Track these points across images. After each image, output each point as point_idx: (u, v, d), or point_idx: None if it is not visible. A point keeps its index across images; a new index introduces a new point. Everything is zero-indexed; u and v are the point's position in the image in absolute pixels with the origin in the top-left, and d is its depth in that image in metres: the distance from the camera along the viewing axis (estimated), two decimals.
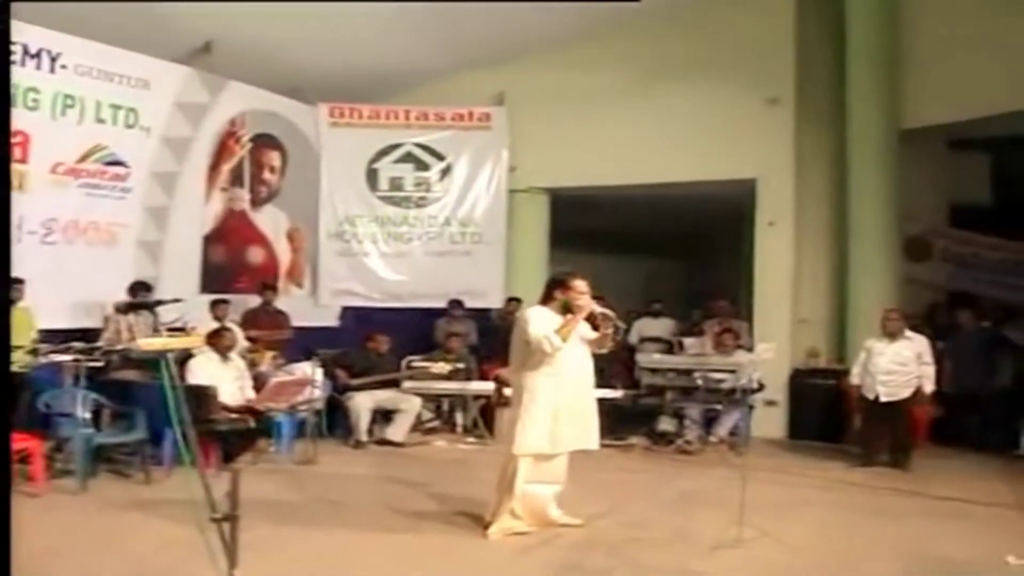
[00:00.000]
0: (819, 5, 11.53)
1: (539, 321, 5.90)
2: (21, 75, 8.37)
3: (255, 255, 11.42)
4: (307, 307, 11.85)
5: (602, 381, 9.19)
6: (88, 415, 7.21)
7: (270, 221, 11.58)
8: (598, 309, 5.88)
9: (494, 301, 12.48)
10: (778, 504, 7.13)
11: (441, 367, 10.23)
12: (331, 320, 12.19)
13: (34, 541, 5.30)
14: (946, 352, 10.06)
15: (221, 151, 10.82)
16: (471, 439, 10.17)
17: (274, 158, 11.56)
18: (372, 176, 12.35)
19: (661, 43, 11.83)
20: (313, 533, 6.07)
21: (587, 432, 6.02)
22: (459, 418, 10.73)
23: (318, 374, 8.99)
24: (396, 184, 12.42)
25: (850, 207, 11.04)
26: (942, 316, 11.57)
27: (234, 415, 7.92)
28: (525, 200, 12.92)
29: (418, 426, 10.36)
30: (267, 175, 11.51)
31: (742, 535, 5.88)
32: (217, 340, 8.46)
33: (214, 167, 10.75)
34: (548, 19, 11.19)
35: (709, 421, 9.94)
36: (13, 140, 8.02)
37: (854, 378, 9.32)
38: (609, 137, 12.08)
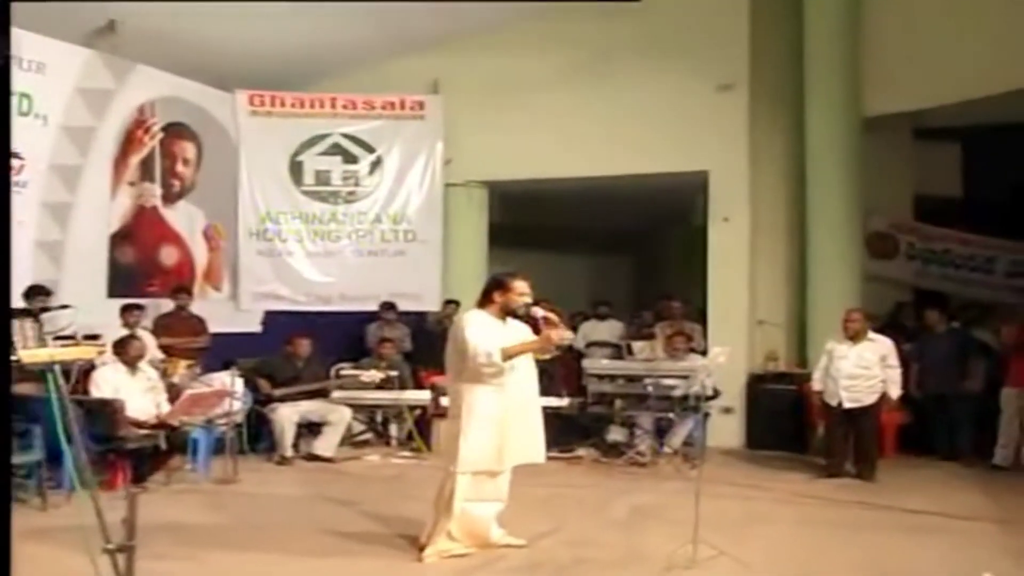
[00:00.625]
0: None
1: (476, 328, 5.81)
2: None
3: (168, 255, 11.27)
4: (226, 312, 11.74)
5: (547, 388, 9.16)
6: None
7: (184, 218, 11.43)
8: (565, 336, 5.88)
9: (430, 304, 12.49)
10: (735, 520, 7.13)
11: (373, 375, 10.23)
12: (253, 326, 12.05)
13: None
14: (913, 355, 10.13)
15: (129, 142, 10.63)
16: (406, 453, 10.15)
17: (188, 150, 11.41)
18: (296, 169, 12.26)
19: (607, 25, 11.83)
20: (232, 559, 5.98)
21: (533, 444, 5.99)
22: (393, 430, 10.73)
23: (238, 384, 8.91)
24: (322, 178, 12.36)
25: (809, 201, 11.12)
26: (909, 316, 11.68)
27: (144, 431, 7.76)
28: (462, 195, 12.94)
29: (348, 439, 10.34)
30: (180, 168, 11.35)
31: (697, 554, 5.84)
32: (124, 349, 8.31)
33: (121, 160, 10.56)
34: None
35: (661, 431, 9.96)
36: None
37: (816, 383, 9.37)
38: (551, 127, 12.10)
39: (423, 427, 10.31)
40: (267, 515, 7.23)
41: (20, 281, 8.69)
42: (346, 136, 12.37)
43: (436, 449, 9.55)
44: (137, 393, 8.14)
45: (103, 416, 7.14)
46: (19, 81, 9.07)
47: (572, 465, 9.58)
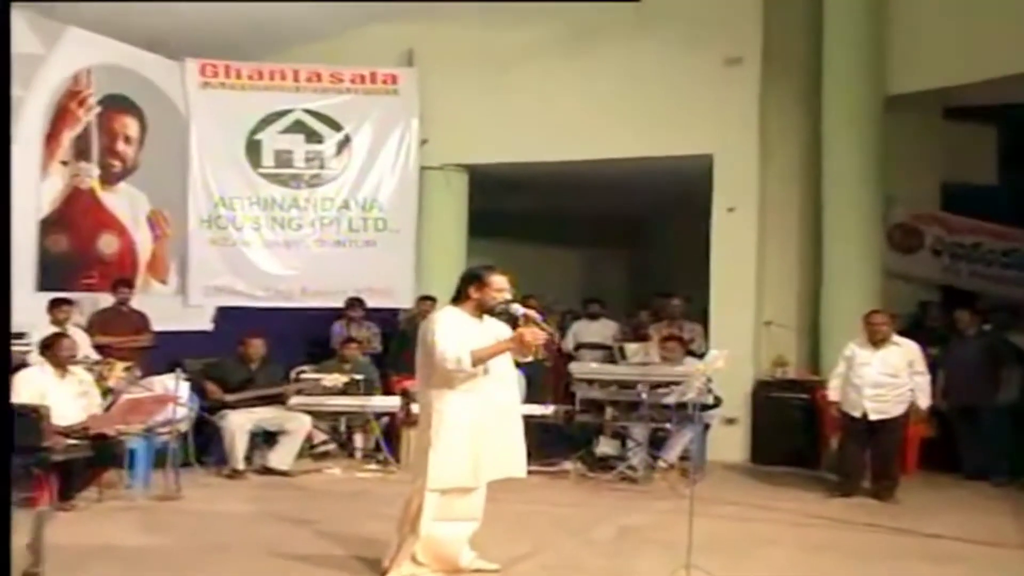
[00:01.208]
0: None
1: (447, 328, 5.80)
2: None
3: (107, 244, 11.17)
4: (173, 308, 11.68)
5: (530, 395, 9.16)
6: None
7: (126, 203, 11.33)
8: (539, 336, 5.79)
9: (402, 300, 12.51)
10: (735, 543, 7.10)
11: (336, 379, 10.17)
12: (203, 323, 12.00)
13: None
14: (940, 361, 10.04)
15: (61, 116, 10.53)
16: (372, 466, 10.09)
17: (130, 126, 11.34)
18: (254, 149, 12.22)
19: None
20: None
21: (512, 457, 5.97)
22: (358, 441, 10.68)
23: (183, 389, 8.77)
24: (283, 159, 12.33)
25: (825, 189, 11.06)
26: (935, 318, 11.60)
27: (74, 441, 7.54)
28: (439, 179, 12.93)
29: (308, 451, 10.32)
30: (121, 146, 11.27)
31: None
32: (52, 349, 8.14)
33: (52, 136, 10.47)
34: None
35: (657, 443, 9.93)
36: None
37: (832, 392, 9.31)
38: (539, 104, 12.08)
39: (392, 438, 10.28)
40: (212, 535, 7.13)
41: None
42: (310, 112, 12.33)
43: (405, 462, 9.54)
44: (66, 398, 7.95)
45: (26, 424, 6.94)
46: None
47: (556, 480, 9.56)
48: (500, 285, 5.91)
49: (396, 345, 11.55)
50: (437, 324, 5.81)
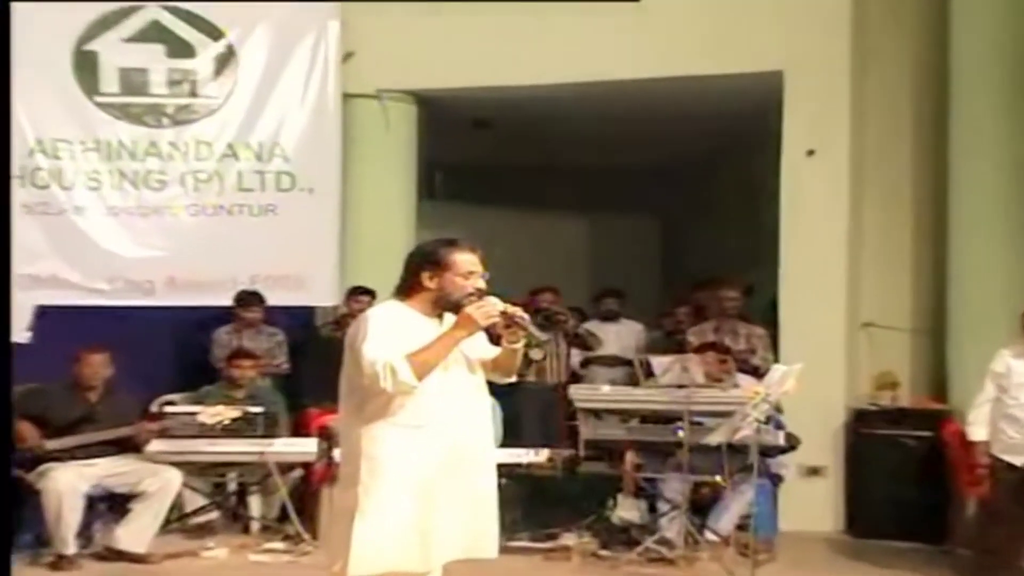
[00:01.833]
0: None
1: (382, 329, 5.61)
2: None
3: None
4: None
5: (511, 433, 9.73)
6: None
7: None
8: (492, 313, 5.63)
9: (322, 294, 12.54)
10: None
11: (221, 414, 10.12)
12: (14, 332, 11.13)
13: None
14: None
15: None
16: (277, 544, 10.04)
17: None
18: (86, 66, 12.20)
19: None
20: None
21: (479, 528, 5.80)
22: (255, 507, 10.76)
23: None
24: (133, 82, 12.29)
25: (953, 129, 11.04)
26: None
27: None
28: (374, 113, 12.89)
29: (178, 522, 10.32)
30: None
31: None
32: None
33: None
34: None
35: (702, 505, 9.95)
36: None
37: (975, 427, 9.13)
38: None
39: (305, 501, 10.29)
40: None
41: None
42: (173, 11, 12.25)
43: (327, 536, 9.16)
44: None
45: None
46: None
47: (553, 562, 9.57)
48: (467, 267, 5.69)
49: (313, 362, 11.56)
50: (368, 324, 5.60)
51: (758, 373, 10.24)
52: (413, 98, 13.02)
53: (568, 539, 9.92)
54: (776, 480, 10.18)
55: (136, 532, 9.61)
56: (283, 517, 10.44)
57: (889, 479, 10.80)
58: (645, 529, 9.89)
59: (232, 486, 10.89)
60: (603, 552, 9.78)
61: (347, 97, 12.68)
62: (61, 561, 9.34)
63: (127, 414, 10.13)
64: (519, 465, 9.38)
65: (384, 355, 5.42)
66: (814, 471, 11.16)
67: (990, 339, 9.41)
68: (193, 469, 10.35)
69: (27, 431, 9.65)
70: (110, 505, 9.83)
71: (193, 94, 12.35)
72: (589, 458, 10.19)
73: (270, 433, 10.37)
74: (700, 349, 10.58)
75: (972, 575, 9.10)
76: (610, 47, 11.98)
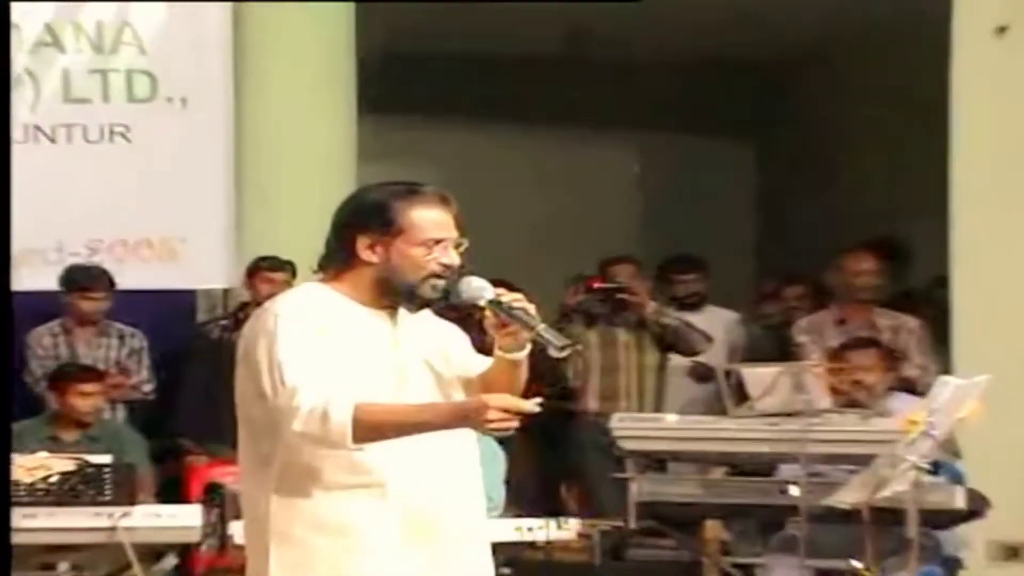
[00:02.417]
0: None
1: (301, 337, 4.41)
2: None
3: None
4: None
5: (522, 496, 8.50)
6: None
7: None
8: (524, 405, 4.27)
9: (206, 272, 10.83)
10: None
11: (43, 466, 8.81)
12: None
13: None
14: None
15: None
16: None
17: None
18: None
19: None
20: None
21: None
22: None
23: None
24: None
25: None
26: None
27: None
28: None
29: None
30: None
31: None
32: None
33: None
34: None
35: None
36: None
37: None
38: None
39: None
40: None
41: None
42: None
43: None
44: None
45: None
46: None
47: None
48: (431, 231, 4.50)
49: (194, 381, 10.08)
50: (279, 325, 4.40)
51: (913, 390, 8.69)
52: None
53: None
54: (952, 566, 8.24)
55: None
56: None
57: None
58: None
59: None
60: None
61: None
62: None
63: None
64: (530, 545, 7.70)
65: (314, 388, 4.25)
66: (1013, 552, 9.27)
67: None
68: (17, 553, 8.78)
69: None
70: None
71: None
72: (645, 532, 8.51)
73: (124, 497, 8.59)
74: (843, 349, 8.77)
75: None
76: None
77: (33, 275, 10.16)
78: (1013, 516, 9.03)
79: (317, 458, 4.38)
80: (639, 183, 15.74)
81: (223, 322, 10.32)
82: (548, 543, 8.16)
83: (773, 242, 14.74)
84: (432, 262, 4.43)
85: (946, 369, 8.84)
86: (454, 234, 4.50)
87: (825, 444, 8.04)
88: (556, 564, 8.44)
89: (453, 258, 4.42)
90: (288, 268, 9.51)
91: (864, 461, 7.42)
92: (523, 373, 4.53)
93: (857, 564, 7.56)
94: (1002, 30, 9.91)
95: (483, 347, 4.68)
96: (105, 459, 8.68)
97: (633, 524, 8.36)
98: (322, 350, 4.39)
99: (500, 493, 7.54)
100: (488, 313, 4.40)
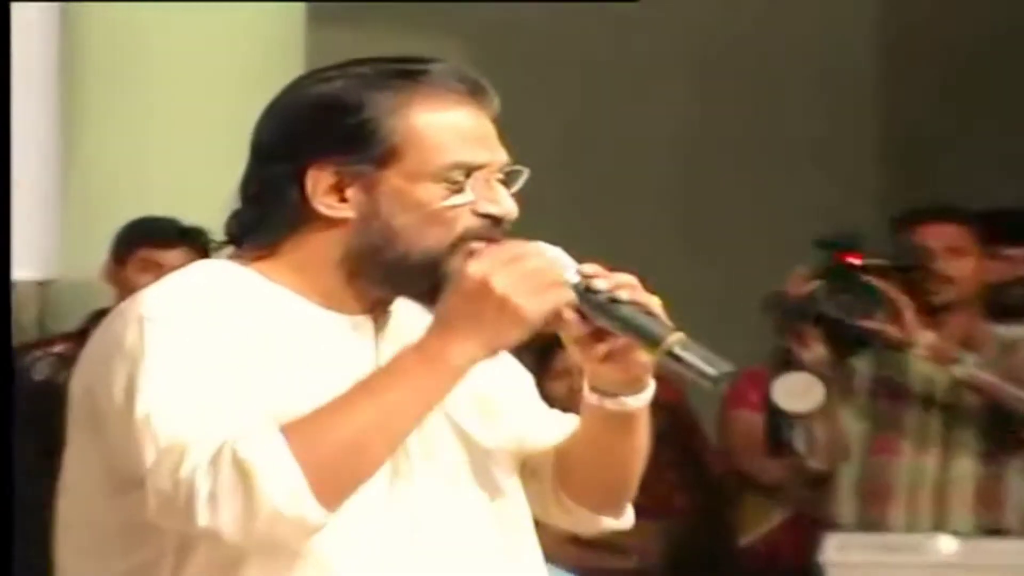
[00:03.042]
0: None
1: (183, 360, 2.11)
2: None
3: None
4: None
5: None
6: None
7: None
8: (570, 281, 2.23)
9: (31, 260, 7.41)
10: None
11: None
12: None
13: None
14: None
15: None
16: None
17: None
18: None
19: None
20: None
21: None
22: None
23: None
24: None
25: None
26: None
27: None
28: None
29: None
30: None
31: None
32: None
33: None
34: None
35: None
36: None
37: None
38: None
39: None
40: None
41: None
42: None
43: None
44: None
45: None
46: None
47: None
48: (462, 149, 2.29)
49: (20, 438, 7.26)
50: (147, 339, 2.15)
51: None
52: None
53: None
54: None
55: None
56: None
57: None
58: None
59: None
60: None
61: None
62: None
63: None
64: None
65: (208, 425, 2.10)
66: None
67: None
68: None
69: None
70: None
71: None
72: None
73: None
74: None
75: None
76: None
77: None
78: None
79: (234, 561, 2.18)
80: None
81: (57, 348, 6.18)
82: None
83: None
84: (465, 212, 2.36)
85: None
86: (502, 155, 2.41)
87: None
88: None
89: (505, 202, 2.35)
90: (196, 239, 5.93)
91: None
92: (643, 439, 2.49)
93: None
94: None
95: (566, 394, 3.59)
96: None
97: None
98: (233, 383, 2.23)
99: None
100: (570, 314, 2.30)
